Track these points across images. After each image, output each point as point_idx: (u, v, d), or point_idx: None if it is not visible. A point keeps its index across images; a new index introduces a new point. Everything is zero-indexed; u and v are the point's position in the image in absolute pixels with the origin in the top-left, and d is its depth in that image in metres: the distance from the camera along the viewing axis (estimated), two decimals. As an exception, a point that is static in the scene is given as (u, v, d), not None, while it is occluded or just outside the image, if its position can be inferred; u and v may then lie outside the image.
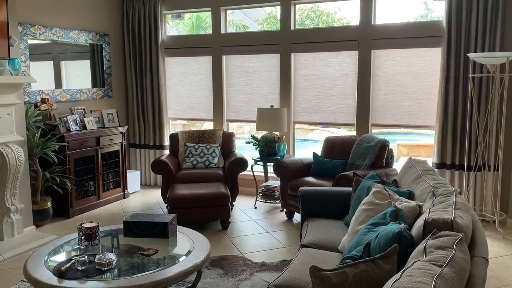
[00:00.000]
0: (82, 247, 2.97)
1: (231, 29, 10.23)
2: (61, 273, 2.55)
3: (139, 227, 3.17)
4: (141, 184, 6.35)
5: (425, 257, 1.69)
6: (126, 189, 5.86)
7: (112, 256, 2.66)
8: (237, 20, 15.13)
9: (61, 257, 2.85)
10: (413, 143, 9.84)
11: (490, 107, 4.52)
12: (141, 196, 5.94)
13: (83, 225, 3.01)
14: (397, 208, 2.40)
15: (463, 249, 1.75)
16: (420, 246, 1.82)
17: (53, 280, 2.50)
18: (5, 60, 4.06)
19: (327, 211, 3.55)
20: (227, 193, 4.50)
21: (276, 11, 13.84)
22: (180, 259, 2.79)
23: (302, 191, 3.64)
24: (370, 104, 5.22)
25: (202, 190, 4.53)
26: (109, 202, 5.57)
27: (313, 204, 3.58)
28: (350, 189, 3.63)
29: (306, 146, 11.97)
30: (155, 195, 5.93)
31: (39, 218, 4.67)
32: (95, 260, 2.65)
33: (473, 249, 1.96)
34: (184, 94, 6.30)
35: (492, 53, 4.32)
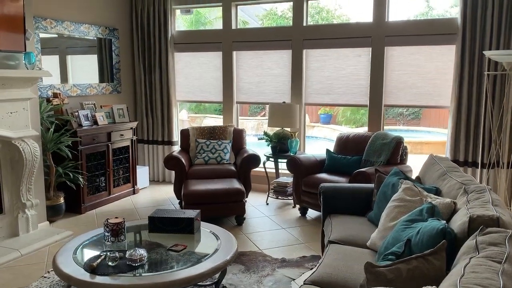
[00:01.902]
0: (108, 242, 2.95)
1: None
2: (93, 269, 2.53)
3: (164, 222, 3.15)
4: (149, 180, 6.31)
5: (479, 253, 1.70)
6: (136, 185, 5.82)
7: (143, 252, 2.64)
8: (238, 16, 15.13)
9: (89, 253, 2.83)
10: (416, 140, 9.89)
11: (505, 104, 4.55)
12: (151, 192, 5.91)
13: (109, 220, 2.99)
14: (432, 204, 2.41)
15: (515, 245, 1.75)
16: (470, 242, 1.83)
17: (86, 276, 2.48)
18: (21, 54, 4.01)
19: (348, 208, 3.55)
20: (242, 189, 4.50)
21: (276, 7, 13.84)
22: (210, 255, 2.78)
23: (324, 187, 3.64)
24: (384, 84, 5.20)
25: (217, 186, 4.52)
26: (119, 198, 5.53)
27: (334, 201, 3.58)
28: (370, 185, 3.63)
29: (308, 142, 12.00)
30: (165, 191, 5.90)
31: (52, 213, 4.63)
32: (126, 256, 2.63)
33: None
34: (193, 77, 6.24)
35: (508, 51, 4.34)
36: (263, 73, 5.83)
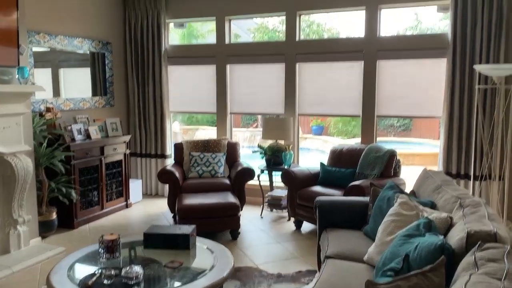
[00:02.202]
0: (103, 260, 2.92)
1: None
2: (88, 287, 2.50)
3: (160, 239, 3.13)
4: (142, 194, 6.27)
5: (478, 269, 1.71)
6: (129, 199, 5.78)
7: (138, 269, 2.61)
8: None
9: (83, 270, 2.80)
10: (408, 152, 9.95)
11: (496, 117, 4.61)
12: (144, 206, 5.87)
13: (104, 237, 2.96)
14: (429, 219, 2.42)
15: (513, 261, 1.77)
16: (469, 259, 1.84)
17: (81, 295, 2.44)
18: (14, 68, 3.99)
19: (344, 221, 3.55)
20: (236, 203, 4.48)
21: (267, 21, 13.95)
22: (206, 272, 2.76)
23: (319, 201, 3.64)
24: (376, 94, 5.23)
25: (211, 200, 4.50)
26: (112, 212, 5.48)
27: (330, 214, 3.58)
28: (366, 199, 3.65)
29: (300, 154, 12.02)
30: (158, 205, 5.86)
31: (45, 229, 4.57)
32: (122, 274, 2.60)
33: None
34: (187, 87, 6.24)
35: (499, 65, 4.42)
36: (256, 84, 5.85)
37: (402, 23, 10.87)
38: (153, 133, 6.27)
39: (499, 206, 4.65)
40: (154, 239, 3.14)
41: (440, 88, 4.95)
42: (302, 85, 5.61)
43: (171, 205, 4.96)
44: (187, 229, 3.18)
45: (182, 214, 4.38)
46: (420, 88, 5.07)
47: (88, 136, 5.22)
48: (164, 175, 5.01)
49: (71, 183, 4.83)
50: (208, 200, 4.52)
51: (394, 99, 5.20)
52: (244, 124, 14.43)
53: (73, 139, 5.04)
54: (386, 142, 12.39)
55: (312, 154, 11.43)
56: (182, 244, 3.11)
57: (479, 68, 4.47)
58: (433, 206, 2.96)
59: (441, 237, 2.15)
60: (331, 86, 5.47)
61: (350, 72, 5.36)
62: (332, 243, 3.16)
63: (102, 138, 5.35)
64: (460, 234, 2.11)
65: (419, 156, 9.46)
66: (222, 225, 4.50)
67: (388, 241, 2.65)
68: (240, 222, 4.64)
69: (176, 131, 13.80)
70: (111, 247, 2.94)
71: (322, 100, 5.54)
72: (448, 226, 2.46)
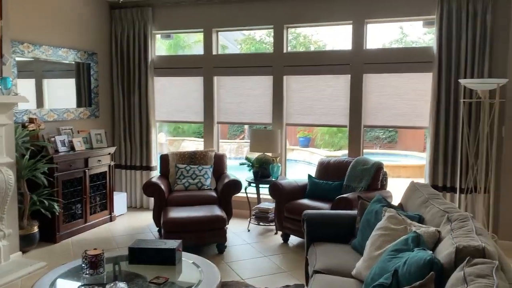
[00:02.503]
0: (86, 275, 2.84)
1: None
2: (70, 305, 2.42)
3: (145, 253, 3.06)
4: (127, 207, 6.16)
5: (468, 285, 1.69)
6: (113, 212, 5.68)
7: (123, 285, 2.55)
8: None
9: (66, 286, 2.71)
10: (394, 164, 10.02)
11: (481, 131, 4.66)
12: (128, 219, 5.77)
13: (87, 252, 2.88)
14: (417, 234, 2.41)
15: (502, 277, 1.76)
16: (458, 274, 1.82)
17: (62, 313, 2.36)
18: (-3, 78, 3.90)
19: (332, 235, 3.52)
20: (223, 216, 4.43)
21: (255, 32, 14.02)
22: (193, 288, 2.70)
23: (307, 215, 3.61)
24: (363, 105, 5.25)
25: (197, 213, 4.44)
26: (96, 225, 5.37)
27: (318, 228, 3.55)
28: (354, 212, 3.63)
29: (287, 165, 12.02)
30: (142, 218, 5.77)
31: (26, 243, 4.45)
32: (106, 291, 2.52)
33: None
34: (173, 97, 6.18)
35: (483, 80, 4.48)
36: (244, 93, 5.83)
37: (389, 37, 11.03)
38: (138, 145, 6.20)
39: (484, 219, 4.68)
40: (139, 254, 3.07)
41: (426, 99, 4.99)
42: (290, 95, 5.61)
43: (156, 219, 4.88)
44: (172, 243, 3.12)
45: (167, 228, 4.31)
46: (406, 99, 5.11)
47: (72, 147, 5.13)
48: (149, 188, 4.94)
49: (54, 196, 4.73)
50: (194, 213, 4.46)
51: (381, 110, 5.22)
52: (231, 135, 14.41)
53: (56, 151, 4.95)
54: (372, 154, 12.49)
55: (299, 166, 11.43)
56: (168, 259, 3.04)
57: (464, 82, 4.53)
58: (420, 220, 2.96)
59: (430, 252, 2.14)
60: (318, 96, 5.48)
61: (337, 83, 5.39)
62: (320, 257, 3.13)
63: (87, 150, 5.27)
64: (449, 249, 2.10)
65: (405, 168, 9.54)
66: (208, 238, 4.44)
67: (376, 256, 2.63)
68: (227, 235, 4.59)
69: (162, 142, 13.71)
70: (94, 263, 2.86)
71: (309, 110, 5.54)
72: (436, 240, 2.45)
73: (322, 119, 5.52)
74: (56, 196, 4.76)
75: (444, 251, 2.14)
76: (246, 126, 13.66)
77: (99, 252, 2.90)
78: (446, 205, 2.93)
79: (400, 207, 3.42)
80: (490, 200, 4.64)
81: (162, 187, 4.94)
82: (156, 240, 3.20)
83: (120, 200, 5.91)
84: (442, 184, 4.92)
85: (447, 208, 2.86)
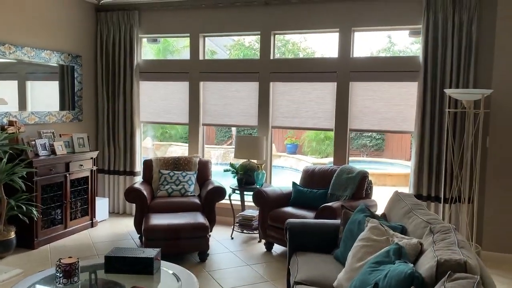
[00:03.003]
0: (60, 285, 2.74)
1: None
2: (40, 316, 2.32)
3: (122, 262, 2.98)
4: (109, 212, 6.06)
5: (448, 302, 1.65)
6: (94, 217, 5.57)
7: (97, 297, 2.46)
8: (206, 46, 15.17)
9: (37, 297, 2.62)
10: (380, 172, 10.04)
11: (465, 141, 4.67)
12: (110, 225, 5.66)
13: (61, 261, 2.79)
14: (399, 245, 2.37)
15: (483, 292, 1.72)
16: (438, 289, 1.78)
17: (32, 325, 2.27)
18: (-26, 80, 3.80)
19: (315, 244, 3.48)
20: (206, 224, 4.35)
21: (244, 38, 14.01)
22: (170, 299, 2.62)
23: (290, 223, 3.56)
24: (349, 108, 5.23)
25: (179, 221, 4.36)
26: (76, 231, 5.26)
27: (301, 237, 3.50)
28: (337, 221, 3.59)
29: (274, 172, 11.97)
30: (125, 224, 5.66)
31: (2, 249, 4.33)
32: (78, 301, 2.44)
33: (485, 290, 1.94)
34: (158, 98, 6.09)
35: (468, 90, 4.49)
36: (229, 95, 5.78)
37: (376, 46, 11.09)
38: (122, 150, 6.10)
39: (468, 230, 4.67)
40: (116, 263, 2.98)
41: (411, 104, 4.98)
42: (276, 98, 5.57)
43: (138, 225, 4.79)
44: (151, 252, 3.04)
45: (148, 235, 4.22)
46: (392, 103, 5.09)
47: (53, 151, 5.02)
48: (131, 194, 4.84)
49: (32, 200, 4.61)
50: (176, 220, 4.38)
51: (367, 114, 5.20)
52: (219, 141, 14.33)
53: (36, 155, 4.83)
54: (359, 162, 12.52)
55: (285, 172, 11.39)
56: (146, 268, 2.96)
57: (449, 92, 4.53)
58: (403, 231, 2.93)
59: (411, 265, 2.10)
60: (304, 99, 5.45)
61: (324, 86, 5.36)
62: (302, 268, 3.07)
63: (68, 154, 5.16)
64: (430, 263, 2.06)
65: (391, 176, 9.55)
66: (190, 246, 4.36)
67: (357, 267, 2.58)
68: (210, 243, 4.51)
69: (148, 147, 13.59)
70: (69, 272, 2.76)
71: (295, 113, 5.51)
72: (418, 252, 2.41)
73: (308, 122, 5.47)
74: (35, 201, 4.64)
75: (426, 264, 2.11)
76: (233, 132, 13.62)
77: (74, 260, 2.80)
78: (429, 216, 2.90)
79: (384, 217, 3.39)
80: (474, 210, 4.64)
81: (145, 193, 4.85)
82: (134, 249, 3.12)
83: (102, 205, 5.80)
84: (427, 194, 4.90)
85: (430, 219, 2.83)
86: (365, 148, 13.50)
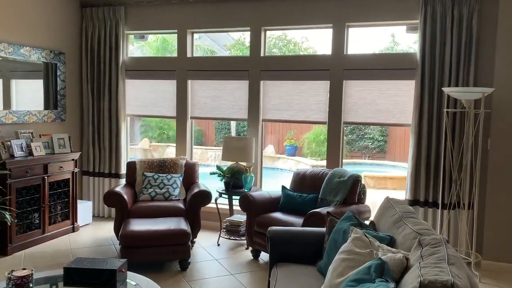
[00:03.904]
0: (10, 300, 2.49)
1: (198, 54, 9.94)
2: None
3: (83, 274, 2.72)
4: (93, 216, 5.81)
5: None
6: (76, 221, 5.32)
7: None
8: (205, 45, 14.90)
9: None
10: (380, 175, 9.73)
11: (465, 143, 4.38)
12: (93, 230, 5.41)
13: (13, 273, 2.54)
14: (382, 261, 2.10)
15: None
16: (419, 318, 1.51)
17: None
18: None
19: (299, 255, 3.21)
20: (187, 230, 4.09)
21: (244, 37, 13.77)
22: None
23: (272, 231, 3.29)
24: (343, 100, 4.95)
25: (159, 227, 4.10)
26: (56, 236, 5.02)
27: (284, 246, 3.24)
28: (323, 229, 3.32)
29: (272, 175, 11.72)
30: (108, 229, 5.41)
31: (-30, 256, 4.09)
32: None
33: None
34: (146, 90, 5.84)
35: (467, 88, 4.21)
36: (219, 87, 5.52)
37: (371, 43, 10.76)
38: (107, 151, 5.86)
39: (467, 238, 4.38)
40: (76, 275, 2.72)
41: (410, 94, 4.69)
42: (266, 89, 5.30)
43: (118, 231, 4.53)
44: (115, 263, 2.78)
45: (124, 242, 3.96)
46: (388, 94, 4.81)
47: (30, 152, 4.78)
48: (111, 198, 4.59)
49: (5, 204, 4.37)
50: (156, 226, 4.12)
51: (362, 106, 4.92)
52: (218, 142, 14.07)
53: (12, 156, 4.60)
54: (360, 164, 12.21)
55: (284, 175, 11.12)
56: (108, 281, 2.71)
57: (448, 90, 4.25)
58: (392, 242, 2.66)
59: (392, 285, 1.82)
60: (297, 91, 5.17)
61: (317, 83, 5.09)
62: (281, 282, 2.81)
63: (47, 155, 4.92)
64: (413, 283, 1.78)
65: (392, 179, 9.23)
66: (170, 254, 4.10)
67: (337, 284, 2.31)
68: (194, 250, 4.27)
69: (146, 148, 13.37)
70: (21, 285, 2.52)
71: (287, 105, 5.23)
72: (403, 268, 2.14)
73: (300, 115, 5.20)
74: (9, 205, 4.40)
75: (409, 285, 1.83)
76: (233, 133, 13.36)
77: (27, 273, 2.56)
78: (420, 226, 2.63)
79: (372, 226, 3.12)
80: (474, 217, 4.35)
81: (125, 197, 4.60)
82: (97, 259, 2.86)
83: (85, 209, 5.56)
84: (424, 199, 4.62)
85: (421, 229, 2.56)
86: (367, 150, 13.19)
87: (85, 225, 5.53)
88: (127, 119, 5.95)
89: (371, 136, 12.97)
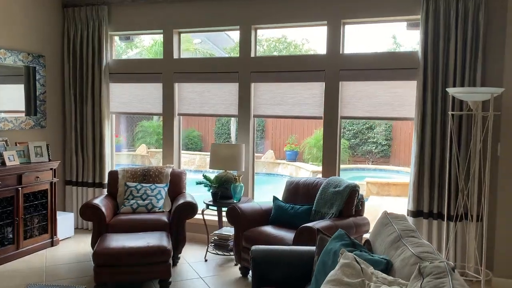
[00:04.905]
0: None
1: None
2: None
3: (32, 306, 2.36)
4: (76, 228, 5.47)
5: None
6: (56, 235, 4.98)
7: None
8: (205, 49, 14.58)
9: None
10: (383, 181, 9.32)
11: (472, 149, 3.99)
12: (74, 244, 5.06)
13: None
14: (373, 297, 1.72)
15: None
16: None
17: None
18: None
19: (285, 277, 2.85)
20: (167, 247, 3.71)
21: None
22: None
23: (255, 251, 2.93)
24: (340, 91, 4.59)
25: (136, 243, 3.73)
26: (32, 251, 4.68)
27: (268, 268, 2.87)
28: (313, 249, 2.94)
29: (272, 181, 11.34)
30: (90, 243, 5.06)
31: None
32: None
33: None
34: (131, 86, 5.52)
35: (474, 89, 3.83)
36: (208, 78, 5.16)
37: (369, 42, 10.35)
38: (91, 159, 5.52)
39: (476, 253, 3.99)
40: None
41: (412, 85, 4.31)
42: (258, 85, 4.96)
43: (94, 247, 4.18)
44: (70, 292, 2.43)
45: (98, 261, 3.60)
46: (388, 85, 4.45)
47: (2, 162, 4.45)
48: (88, 211, 4.25)
49: (-27, 219, 4.04)
50: (133, 242, 3.75)
51: (361, 98, 4.56)
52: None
53: (-18, 166, 4.28)
54: (363, 169, 11.80)
55: (284, 181, 10.74)
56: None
57: (453, 91, 3.87)
58: (388, 266, 2.28)
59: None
60: (291, 84, 4.83)
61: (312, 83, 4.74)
62: (261, 312, 2.44)
63: (22, 165, 4.59)
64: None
65: (395, 186, 8.82)
66: (147, 274, 3.72)
67: (321, 322, 1.94)
68: (179, 266, 3.94)
69: (143, 154, 13.04)
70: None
71: (280, 99, 4.87)
72: (400, 305, 1.77)
73: (295, 110, 4.83)
74: (-23, 219, 4.07)
75: (405, 333, 1.46)
76: (233, 138, 13.03)
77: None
78: (422, 248, 2.25)
79: (368, 245, 2.74)
80: (483, 230, 3.96)
81: (103, 210, 4.25)
82: (53, 286, 2.51)
83: (66, 221, 5.22)
84: (428, 210, 4.22)
85: (422, 252, 2.19)
86: (371, 155, 12.79)
87: (66, 238, 5.18)
88: (112, 118, 5.60)
89: (374, 140, 12.59)
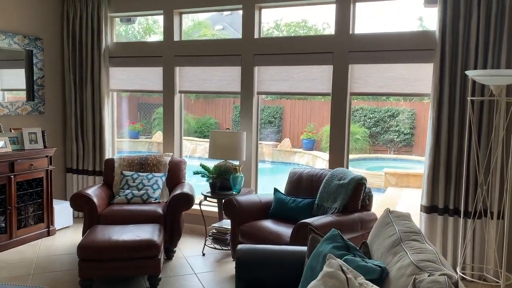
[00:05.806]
0: None
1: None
2: None
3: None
4: (74, 217, 5.31)
5: None
6: (52, 224, 4.83)
7: None
8: (224, 35, 14.24)
9: None
10: (402, 172, 8.87)
11: (494, 138, 3.58)
12: (71, 233, 4.91)
13: None
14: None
15: None
16: None
17: None
18: None
19: (273, 282, 2.56)
20: (156, 242, 3.46)
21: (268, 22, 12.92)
22: None
23: (241, 251, 2.65)
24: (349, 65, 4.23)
25: (124, 236, 3.50)
26: (26, 241, 4.54)
27: (254, 271, 2.59)
28: (304, 249, 2.64)
29: (287, 170, 11.00)
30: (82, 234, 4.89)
31: None
32: None
33: None
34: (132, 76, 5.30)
35: (497, 71, 3.41)
36: (210, 61, 4.87)
37: (382, 21, 9.74)
38: (91, 146, 5.33)
39: (496, 254, 3.60)
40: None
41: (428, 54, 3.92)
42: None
43: (85, 238, 3.99)
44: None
45: (82, 254, 3.38)
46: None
47: (-6, 149, 4.30)
48: (78, 201, 4.05)
49: (-40, 207, 3.90)
50: (122, 235, 3.53)
51: (371, 74, 4.19)
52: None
53: (-28, 153, 4.13)
54: (383, 159, 11.34)
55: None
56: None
57: (473, 74, 3.46)
58: (382, 276, 1.96)
59: None
60: (297, 57, 4.46)
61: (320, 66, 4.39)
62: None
63: (14, 152, 4.42)
64: None
65: (415, 177, 8.37)
66: (135, 269, 3.49)
67: None
68: (174, 261, 3.74)
69: (159, 141, 12.91)
70: None
71: (285, 75, 4.53)
72: (386, 329, 1.45)
73: (301, 86, 4.47)
74: (-35, 208, 3.93)
75: None
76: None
77: None
78: (423, 255, 1.92)
79: (364, 248, 2.42)
80: (504, 228, 3.57)
81: (95, 200, 4.05)
82: (20, 286, 2.30)
83: (64, 210, 5.05)
84: (443, 206, 3.84)
85: (422, 261, 1.86)
86: (392, 144, 12.28)
87: (63, 228, 5.03)
88: (113, 96, 5.39)
89: (397, 128, 12.07)
